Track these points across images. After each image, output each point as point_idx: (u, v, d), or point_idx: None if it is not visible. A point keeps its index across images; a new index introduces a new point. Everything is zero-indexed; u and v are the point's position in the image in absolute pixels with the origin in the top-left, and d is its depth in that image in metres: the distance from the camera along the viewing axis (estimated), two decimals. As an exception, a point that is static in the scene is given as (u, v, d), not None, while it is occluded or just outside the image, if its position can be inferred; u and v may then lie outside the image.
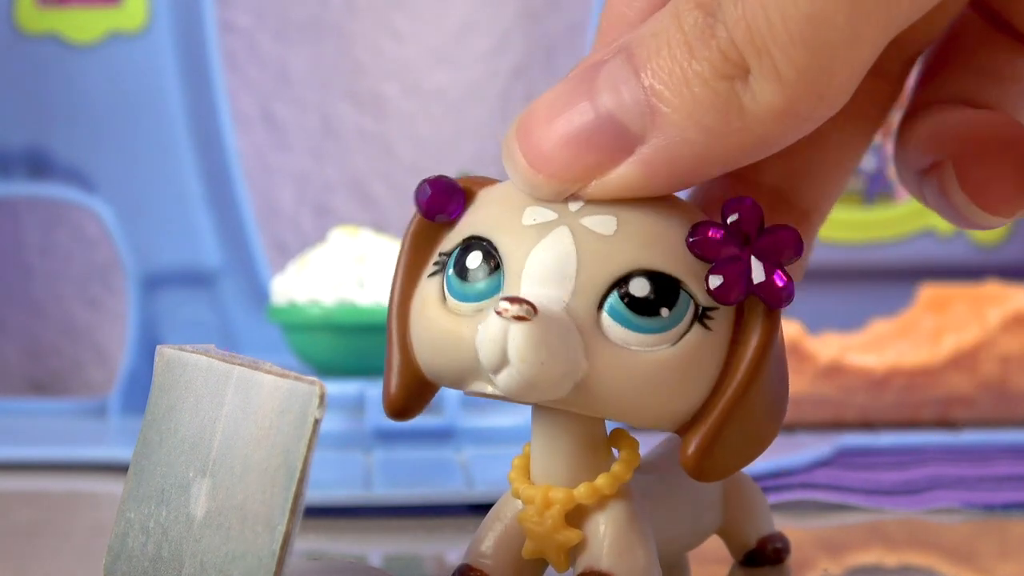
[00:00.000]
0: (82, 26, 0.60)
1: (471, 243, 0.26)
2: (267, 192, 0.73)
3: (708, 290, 0.25)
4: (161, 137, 0.61)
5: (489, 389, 0.25)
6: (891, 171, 0.66)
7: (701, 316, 0.25)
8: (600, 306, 0.25)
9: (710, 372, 0.25)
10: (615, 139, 0.24)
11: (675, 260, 0.25)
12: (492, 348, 0.24)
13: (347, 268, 0.51)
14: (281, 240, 0.73)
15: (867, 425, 0.53)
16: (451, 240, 0.26)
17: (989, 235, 0.66)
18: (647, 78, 0.24)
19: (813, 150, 0.28)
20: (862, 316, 0.60)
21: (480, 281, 0.25)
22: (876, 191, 0.66)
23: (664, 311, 0.25)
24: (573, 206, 0.25)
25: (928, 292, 0.59)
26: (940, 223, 0.66)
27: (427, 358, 0.26)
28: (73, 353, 0.73)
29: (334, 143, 0.73)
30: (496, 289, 0.25)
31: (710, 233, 0.25)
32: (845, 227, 0.66)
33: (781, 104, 0.23)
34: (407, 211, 0.29)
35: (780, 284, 0.25)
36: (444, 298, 0.26)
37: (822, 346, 0.53)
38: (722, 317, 0.25)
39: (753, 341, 0.25)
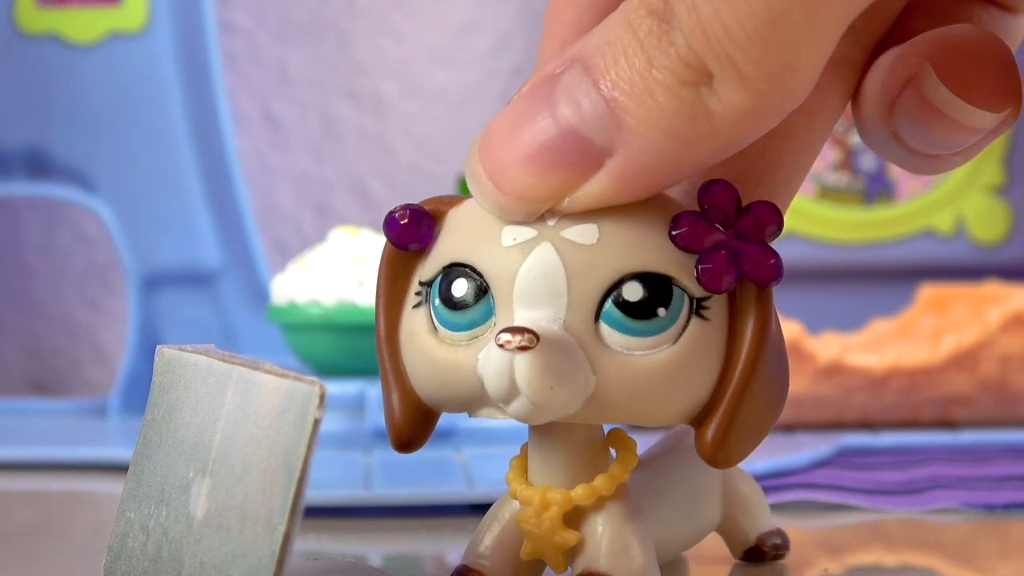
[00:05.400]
0: (82, 26, 0.60)
1: (452, 270, 0.25)
2: (267, 192, 0.73)
3: (699, 281, 0.25)
4: (161, 137, 0.61)
5: (499, 415, 0.25)
6: (891, 171, 0.66)
7: (697, 308, 0.25)
8: (597, 317, 0.24)
9: (714, 361, 0.25)
10: (582, 154, 0.24)
11: (662, 257, 0.25)
12: (499, 381, 0.24)
13: (347, 268, 0.51)
14: (281, 240, 0.73)
15: (867, 425, 0.53)
16: (430, 267, 0.26)
17: (989, 235, 0.66)
18: (607, 89, 0.23)
19: (778, 144, 0.27)
20: (862, 316, 0.60)
21: (470, 309, 0.25)
22: (876, 191, 0.66)
23: (661, 311, 0.24)
24: (551, 220, 0.25)
25: (928, 292, 0.59)
26: (940, 223, 0.66)
27: (428, 389, 0.26)
28: (73, 353, 0.73)
29: (334, 143, 0.73)
30: (487, 314, 0.25)
31: (691, 224, 0.25)
32: (845, 227, 0.66)
33: (748, 104, 0.23)
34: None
35: (768, 262, 0.25)
36: (435, 329, 0.26)
37: (822, 346, 0.52)
38: (717, 304, 0.25)
39: (750, 323, 0.25)
